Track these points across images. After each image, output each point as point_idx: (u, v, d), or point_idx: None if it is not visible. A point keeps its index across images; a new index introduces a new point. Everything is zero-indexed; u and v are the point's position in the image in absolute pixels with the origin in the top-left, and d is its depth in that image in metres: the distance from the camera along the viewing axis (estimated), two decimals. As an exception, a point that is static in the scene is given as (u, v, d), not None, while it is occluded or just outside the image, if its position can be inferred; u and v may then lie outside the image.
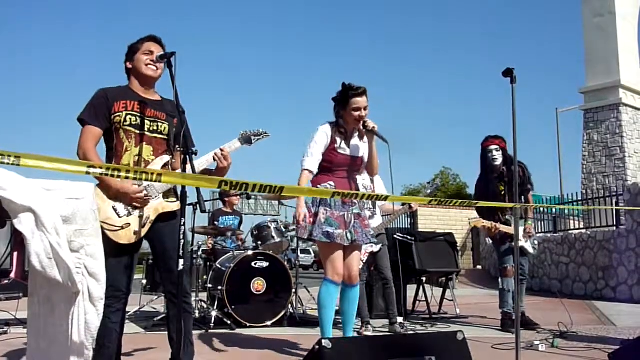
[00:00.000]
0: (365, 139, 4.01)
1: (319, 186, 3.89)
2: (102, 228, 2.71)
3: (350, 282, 3.95)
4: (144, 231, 2.86)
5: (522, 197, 5.47)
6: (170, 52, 2.79)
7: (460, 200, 3.78)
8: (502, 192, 5.35)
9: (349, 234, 3.83)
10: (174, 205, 2.94)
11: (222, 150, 2.97)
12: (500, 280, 5.47)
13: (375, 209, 5.54)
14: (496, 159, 5.36)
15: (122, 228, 2.79)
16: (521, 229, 5.38)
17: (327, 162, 3.92)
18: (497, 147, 5.38)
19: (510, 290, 5.32)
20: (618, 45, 15.83)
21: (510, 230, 5.25)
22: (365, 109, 3.85)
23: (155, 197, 2.90)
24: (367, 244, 4.05)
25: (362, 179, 5.40)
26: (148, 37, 3.03)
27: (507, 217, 5.32)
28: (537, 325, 5.26)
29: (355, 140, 3.99)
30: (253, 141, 3.12)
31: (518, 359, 3.25)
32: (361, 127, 3.86)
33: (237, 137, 3.10)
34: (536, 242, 5.64)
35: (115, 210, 2.80)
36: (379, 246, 5.44)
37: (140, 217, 2.84)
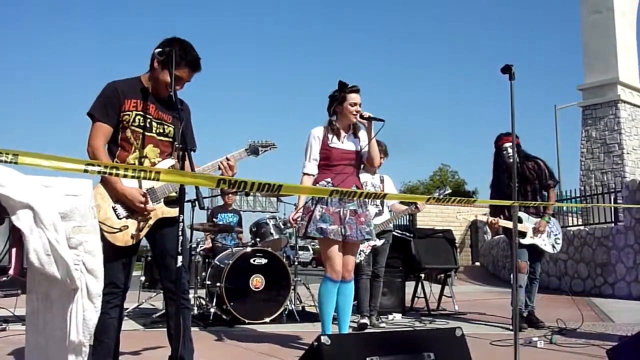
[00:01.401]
0: (360, 133, 4.16)
1: (318, 184, 4.01)
2: (100, 228, 2.71)
3: (344, 277, 4.01)
4: (141, 235, 2.84)
5: (537, 194, 5.40)
6: (168, 50, 2.77)
7: (458, 198, 3.78)
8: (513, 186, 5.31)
9: (342, 230, 3.90)
10: (174, 211, 2.87)
11: (228, 160, 2.95)
12: (511, 276, 5.40)
13: (382, 206, 5.58)
14: (511, 156, 5.31)
15: (120, 230, 2.77)
16: (531, 225, 5.32)
17: (324, 160, 4.08)
18: (510, 144, 5.33)
19: (523, 285, 5.21)
20: (616, 42, 15.83)
21: (508, 224, 5.21)
22: (360, 105, 4.05)
23: (156, 202, 2.88)
24: (361, 240, 4.08)
25: (372, 178, 5.47)
26: (193, 60, 2.86)
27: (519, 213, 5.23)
28: (541, 324, 5.19)
29: (349, 137, 4.14)
30: (260, 152, 3.11)
31: (516, 355, 3.26)
32: (358, 118, 4.01)
33: (245, 147, 3.08)
34: (559, 241, 5.47)
35: (115, 210, 2.78)
36: (382, 241, 5.46)
37: (139, 220, 2.83)
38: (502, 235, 13.34)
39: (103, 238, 2.70)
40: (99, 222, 2.68)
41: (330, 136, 4.08)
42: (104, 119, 2.81)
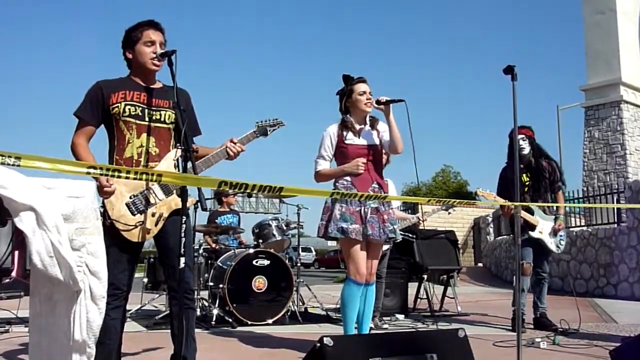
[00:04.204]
0: (379, 126, 3.97)
1: (337, 184, 3.87)
2: (115, 227, 2.72)
3: (366, 280, 3.86)
4: (156, 229, 2.84)
5: (551, 194, 5.36)
6: (171, 50, 2.76)
7: (458, 200, 3.78)
8: (527, 183, 5.30)
9: (364, 229, 3.75)
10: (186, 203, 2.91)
11: (234, 143, 2.92)
12: (514, 277, 5.35)
13: None
14: (523, 147, 5.25)
15: (136, 226, 2.77)
16: (549, 224, 5.28)
17: (341, 158, 3.90)
18: (523, 136, 5.27)
19: (525, 289, 5.15)
20: (619, 43, 15.79)
21: (530, 218, 5.17)
22: (370, 93, 3.88)
23: (169, 194, 2.87)
24: (384, 239, 3.90)
25: None
26: (147, 23, 2.92)
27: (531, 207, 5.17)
28: (554, 327, 5.08)
29: (366, 131, 3.94)
30: (269, 132, 3.04)
31: (519, 356, 3.25)
32: (375, 105, 3.82)
33: (253, 128, 3.02)
34: (563, 242, 5.42)
35: (128, 207, 2.77)
36: None
37: (154, 214, 2.82)
38: (505, 236, 13.41)
39: (117, 236, 2.71)
40: (114, 220, 2.70)
41: (345, 133, 3.88)
42: (86, 118, 2.86)
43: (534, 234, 5.19)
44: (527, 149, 5.29)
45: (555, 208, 5.41)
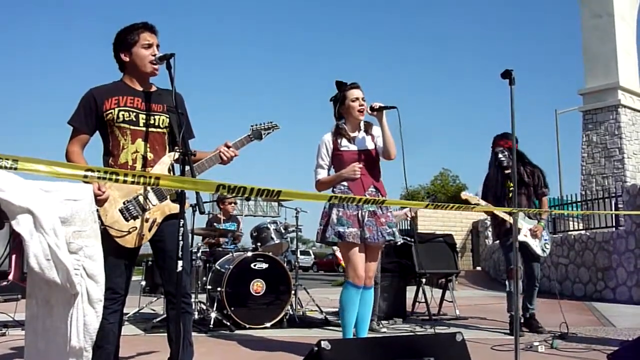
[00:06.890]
0: (374, 130, 3.99)
1: (335, 190, 3.89)
2: (109, 232, 2.70)
3: (365, 284, 3.87)
4: (150, 235, 2.83)
5: (531, 198, 5.43)
6: (170, 53, 2.74)
7: (457, 205, 3.77)
8: (510, 188, 5.35)
9: (361, 232, 3.77)
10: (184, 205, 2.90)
11: (228, 146, 2.93)
12: (507, 282, 5.39)
13: None
14: (503, 160, 5.37)
15: (129, 232, 2.76)
16: (528, 226, 5.34)
17: (338, 165, 3.94)
18: (501, 149, 5.37)
19: (513, 291, 5.22)
20: (617, 47, 15.83)
21: (505, 216, 5.22)
22: (363, 99, 3.91)
23: (163, 199, 2.87)
24: (382, 243, 3.91)
25: None
26: (142, 25, 2.90)
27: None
28: (541, 329, 5.18)
29: (360, 136, 3.97)
30: (263, 136, 3.06)
31: (517, 360, 3.25)
32: (368, 111, 3.85)
33: (248, 132, 3.04)
34: (548, 246, 5.47)
35: (122, 213, 2.76)
36: None
37: (147, 220, 2.81)
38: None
39: (110, 241, 2.70)
40: (107, 226, 2.69)
41: (339, 140, 3.92)
42: (80, 126, 2.85)
43: (520, 238, 5.22)
44: (506, 161, 5.38)
45: (538, 213, 5.46)
